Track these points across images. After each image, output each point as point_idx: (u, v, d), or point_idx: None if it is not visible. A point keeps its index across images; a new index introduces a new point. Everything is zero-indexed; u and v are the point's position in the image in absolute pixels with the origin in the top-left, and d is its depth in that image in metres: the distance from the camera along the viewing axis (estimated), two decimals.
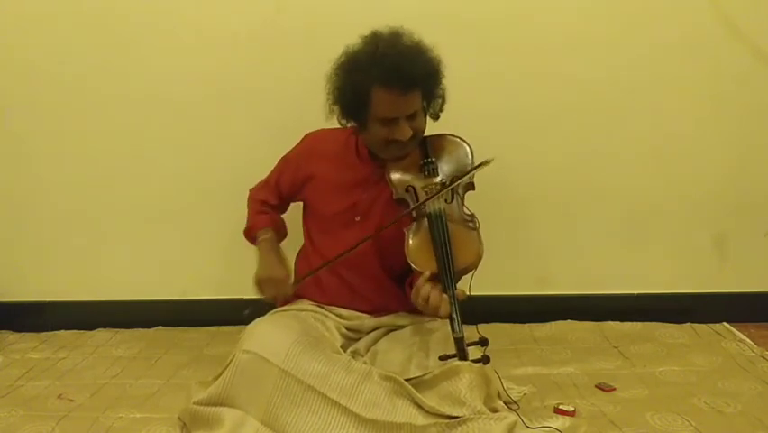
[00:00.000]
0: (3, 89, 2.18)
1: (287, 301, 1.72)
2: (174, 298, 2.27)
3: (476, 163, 1.65)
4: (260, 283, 1.65)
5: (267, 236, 1.75)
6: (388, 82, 1.53)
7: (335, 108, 1.64)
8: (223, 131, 2.17)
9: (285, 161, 1.82)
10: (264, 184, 1.86)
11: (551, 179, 2.19)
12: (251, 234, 1.81)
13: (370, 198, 1.69)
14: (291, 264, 1.83)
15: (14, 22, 2.14)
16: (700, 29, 2.10)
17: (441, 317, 1.45)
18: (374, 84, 1.55)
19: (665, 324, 2.13)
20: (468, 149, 1.69)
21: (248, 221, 1.83)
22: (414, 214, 1.59)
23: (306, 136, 1.81)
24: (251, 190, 1.88)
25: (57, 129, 2.19)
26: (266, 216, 1.81)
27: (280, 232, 1.83)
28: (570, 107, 2.14)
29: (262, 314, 1.65)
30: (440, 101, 1.69)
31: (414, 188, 1.62)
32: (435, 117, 1.71)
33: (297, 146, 1.81)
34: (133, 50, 2.14)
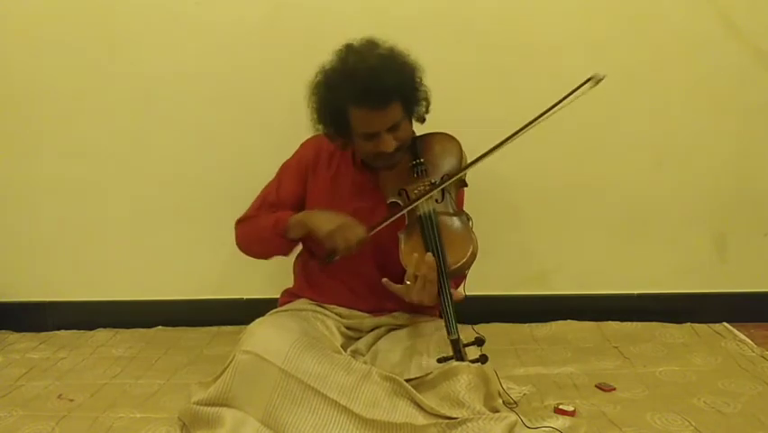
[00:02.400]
0: (3, 89, 2.18)
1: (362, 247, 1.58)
2: (174, 298, 2.27)
3: (465, 160, 1.66)
4: (331, 235, 1.54)
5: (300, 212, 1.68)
6: (361, 101, 1.52)
7: (319, 127, 1.64)
8: (224, 131, 2.17)
9: (285, 168, 1.79)
10: (259, 204, 1.77)
11: (551, 178, 2.19)
12: (280, 228, 1.65)
13: (369, 206, 1.68)
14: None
15: (14, 20, 2.14)
16: (700, 29, 2.10)
17: (431, 298, 1.45)
18: (349, 103, 1.54)
19: (665, 324, 2.13)
20: (458, 145, 1.68)
21: (265, 226, 1.68)
22: (406, 217, 1.59)
23: (305, 142, 1.80)
24: (238, 221, 1.77)
25: (57, 129, 2.19)
26: (282, 211, 1.71)
27: None
28: (569, 107, 2.13)
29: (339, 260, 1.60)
30: (424, 104, 1.67)
31: (405, 191, 1.62)
32: (421, 120, 1.70)
33: (296, 153, 1.80)
34: (132, 50, 2.14)
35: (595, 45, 2.11)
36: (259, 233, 1.71)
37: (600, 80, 1.45)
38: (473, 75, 2.09)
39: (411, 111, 1.64)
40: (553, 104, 1.49)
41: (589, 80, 1.46)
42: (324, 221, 1.58)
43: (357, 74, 1.52)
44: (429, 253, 1.47)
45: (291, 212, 1.69)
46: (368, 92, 1.50)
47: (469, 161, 1.62)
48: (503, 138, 1.52)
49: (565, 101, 1.48)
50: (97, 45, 2.14)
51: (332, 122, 1.61)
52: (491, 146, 1.52)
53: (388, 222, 1.57)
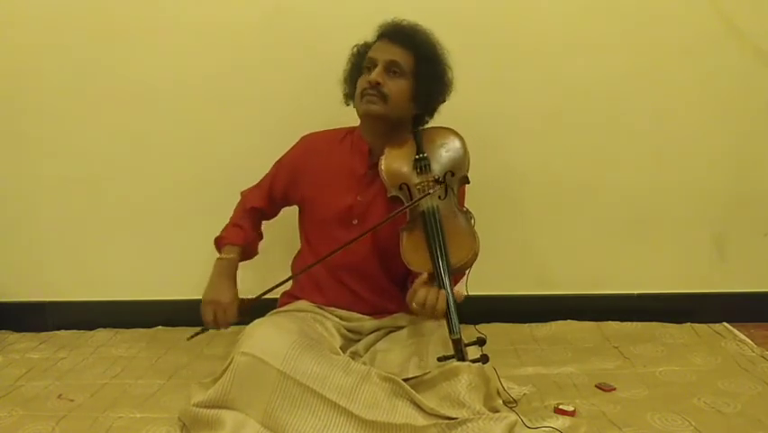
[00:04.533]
0: (3, 89, 2.18)
1: (227, 326, 1.71)
2: (174, 298, 2.27)
3: (468, 155, 1.67)
4: (204, 305, 1.67)
5: (228, 256, 1.75)
6: (385, 33, 1.68)
7: (345, 75, 1.75)
8: (224, 131, 2.17)
9: (279, 164, 1.82)
10: (257, 187, 1.84)
11: (551, 178, 2.19)
12: (218, 244, 1.79)
13: (367, 200, 1.69)
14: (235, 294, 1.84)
15: (14, 20, 2.14)
16: (700, 29, 2.10)
17: (437, 318, 1.45)
18: (376, 38, 1.70)
19: (665, 324, 2.13)
20: (461, 141, 1.68)
21: (224, 228, 1.81)
22: (408, 213, 1.59)
23: (302, 139, 1.81)
24: (243, 192, 1.86)
25: (57, 129, 2.19)
26: (242, 232, 1.79)
27: (248, 251, 1.82)
28: (570, 107, 2.14)
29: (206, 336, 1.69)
30: (434, 104, 1.73)
31: (407, 186, 1.62)
32: (421, 114, 1.74)
33: (291, 149, 1.81)
34: (131, 49, 2.14)
35: (595, 45, 2.11)
36: (222, 231, 1.83)
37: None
38: (473, 75, 2.09)
39: (420, 76, 1.66)
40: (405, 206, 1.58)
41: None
42: (209, 287, 1.70)
43: (396, 21, 1.71)
44: (442, 292, 1.45)
45: (235, 241, 1.77)
46: (394, 27, 1.68)
47: (472, 165, 1.62)
48: None
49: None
50: (97, 45, 2.13)
51: (355, 62, 1.73)
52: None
53: (390, 218, 1.56)
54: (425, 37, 1.69)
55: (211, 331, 2.20)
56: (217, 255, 1.77)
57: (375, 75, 1.63)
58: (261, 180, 1.85)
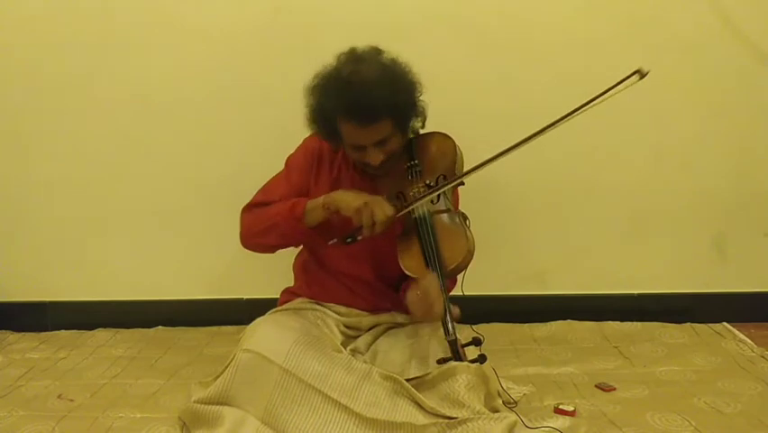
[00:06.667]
0: (3, 89, 2.18)
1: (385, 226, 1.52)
2: (174, 298, 2.27)
3: (460, 159, 1.65)
4: (359, 211, 1.49)
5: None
6: (350, 114, 1.50)
7: (312, 126, 1.63)
8: (223, 131, 2.18)
9: (293, 160, 1.75)
10: (267, 193, 1.70)
11: (551, 178, 2.19)
12: (298, 212, 1.58)
13: None
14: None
15: (13, 21, 2.14)
16: (700, 29, 2.10)
17: (434, 320, 1.44)
18: (338, 113, 1.52)
19: (665, 324, 2.13)
20: (452, 145, 1.67)
21: (279, 211, 1.61)
22: (403, 220, 1.59)
23: (309, 137, 1.79)
24: (245, 208, 1.70)
25: (57, 129, 2.20)
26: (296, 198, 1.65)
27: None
28: (569, 107, 2.14)
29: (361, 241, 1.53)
30: (419, 119, 1.65)
31: (403, 194, 1.62)
32: (416, 134, 1.69)
33: (301, 147, 1.77)
34: (132, 49, 2.14)
35: (595, 45, 2.11)
36: (271, 219, 1.63)
37: (645, 75, 1.47)
38: (472, 75, 2.09)
39: (403, 126, 1.61)
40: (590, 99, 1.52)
41: (635, 73, 1.47)
42: (351, 197, 1.54)
43: (349, 86, 1.49)
44: (441, 295, 1.43)
45: (306, 198, 1.64)
46: (356, 107, 1.48)
47: (469, 167, 1.60)
48: (511, 144, 1.52)
49: (606, 95, 1.50)
50: (97, 46, 2.14)
51: (322, 126, 1.60)
52: (499, 151, 1.54)
53: (412, 206, 1.55)
54: (385, 87, 1.49)
55: (213, 328, 2.21)
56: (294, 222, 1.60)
57: (374, 159, 1.55)
58: (269, 184, 1.73)
